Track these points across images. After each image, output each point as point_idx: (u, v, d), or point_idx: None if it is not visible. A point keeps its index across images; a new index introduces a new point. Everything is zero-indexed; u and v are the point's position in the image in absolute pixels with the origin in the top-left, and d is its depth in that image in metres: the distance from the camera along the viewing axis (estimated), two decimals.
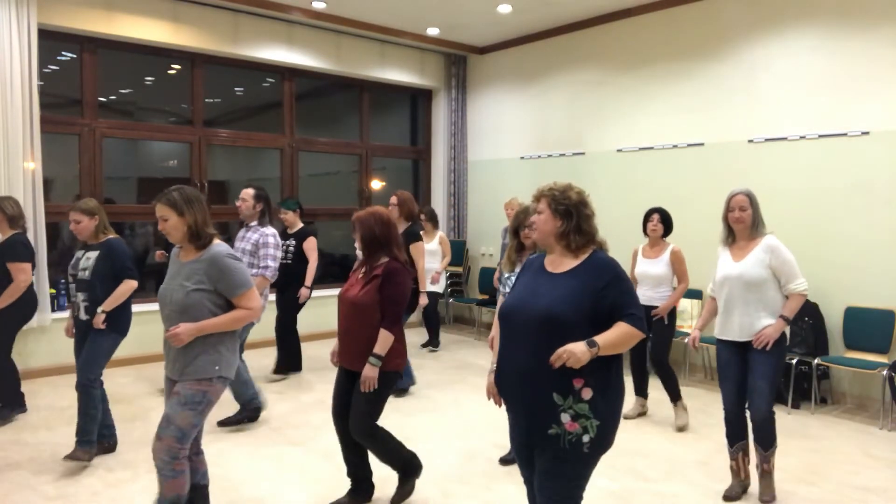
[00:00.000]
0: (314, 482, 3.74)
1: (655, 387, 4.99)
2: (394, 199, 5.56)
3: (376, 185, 8.47)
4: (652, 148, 6.62)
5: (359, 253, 3.53)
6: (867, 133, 5.22)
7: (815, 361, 5.16)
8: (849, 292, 5.28)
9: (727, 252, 3.56)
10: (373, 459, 3.43)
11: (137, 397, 5.26)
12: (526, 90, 7.87)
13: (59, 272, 5.85)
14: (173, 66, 6.95)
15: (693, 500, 3.57)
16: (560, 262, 2.39)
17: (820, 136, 5.46)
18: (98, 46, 6.25)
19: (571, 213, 2.37)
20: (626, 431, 4.55)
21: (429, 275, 6.83)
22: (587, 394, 2.22)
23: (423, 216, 6.96)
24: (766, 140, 5.77)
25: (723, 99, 6.05)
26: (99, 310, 3.77)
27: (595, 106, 7.12)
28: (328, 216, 8.21)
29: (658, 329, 4.72)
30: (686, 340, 4.93)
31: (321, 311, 7.11)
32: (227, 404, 4.52)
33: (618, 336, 2.22)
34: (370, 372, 3.16)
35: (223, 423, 4.56)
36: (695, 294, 5.92)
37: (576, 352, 2.12)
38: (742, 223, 3.46)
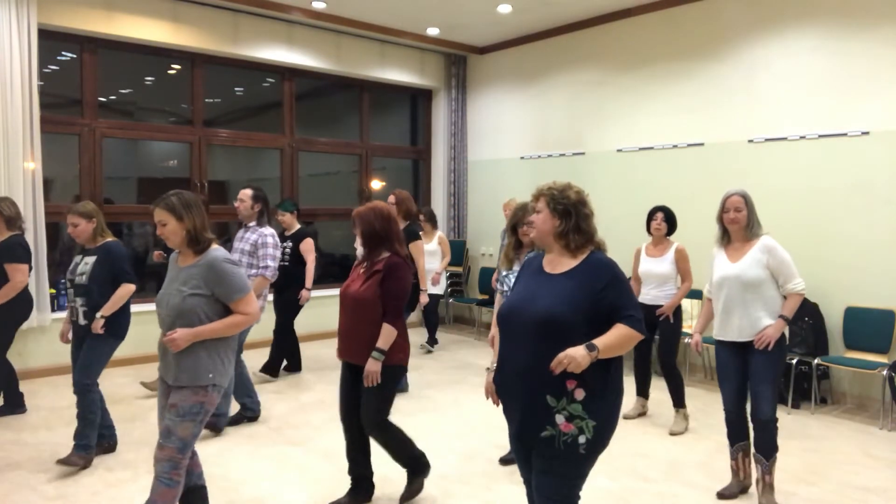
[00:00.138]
0: (314, 482, 3.74)
1: (657, 387, 4.99)
2: (392, 199, 5.56)
3: (376, 185, 8.47)
4: (652, 148, 6.62)
5: (359, 253, 3.53)
6: (867, 133, 5.22)
7: (815, 361, 5.16)
8: (849, 292, 5.28)
9: (723, 253, 3.55)
10: (375, 460, 3.44)
11: (137, 397, 5.26)
12: (526, 90, 7.87)
13: (59, 272, 5.85)
14: (173, 66, 6.95)
15: (693, 501, 3.57)
16: (558, 262, 2.39)
17: (820, 136, 5.46)
18: (98, 46, 6.26)
19: (570, 212, 2.37)
20: (627, 432, 4.56)
21: (428, 276, 6.84)
22: (580, 394, 2.22)
23: (422, 217, 6.95)
24: (766, 140, 5.77)
25: (723, 99, 6.05)
26: (98, 315, 3.76)
27: (595, 106, 7.12)
28: (328, 216, 8.21)
29: (665, 329, 4.70)
30: (687, 341, 4.95)
31: (321, 311, 7.11)
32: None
33: (616, 338, 2.21)
34: (373, 366, 3.16)
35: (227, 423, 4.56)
36: (695, 294, 5.91)
37: (576, 356, 2.12)
38: (737, 224, 3.46)
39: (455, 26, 7.52)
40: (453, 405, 5.21)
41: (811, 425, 4.84)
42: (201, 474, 3.03)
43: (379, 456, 3.47)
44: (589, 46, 7.16)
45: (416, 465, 3.42)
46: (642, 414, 4.94)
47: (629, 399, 4.29)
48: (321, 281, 7.31)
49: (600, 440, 2.26)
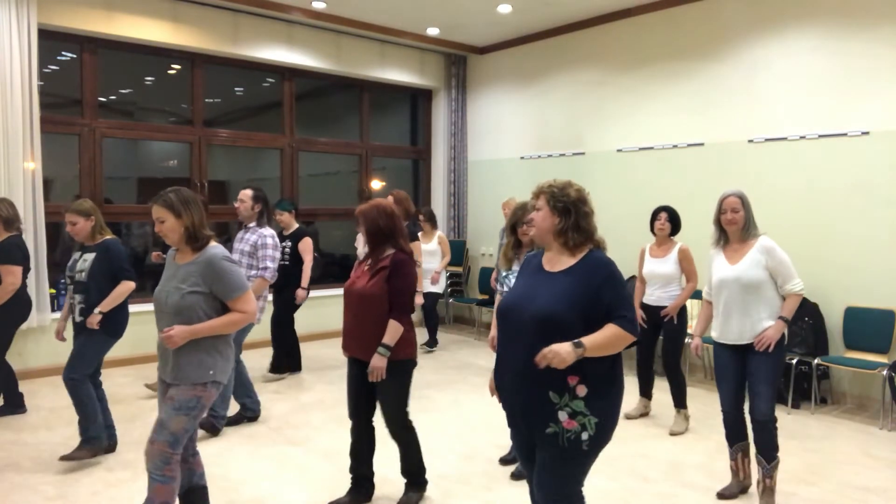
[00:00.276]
0: (314, 482, 3.74)
1: (658, 388, 4.98)
2: (390, 199, 5.57)
3: (376, 185, 8.47)
4: (652, 148, 6.62)
5: (359, 253, 3.53)
6: (867, 133, 5.22)
7: (815, 361, 5.16)
8: (849, 292, 5.28)
9: (721, 255, 3.54)
10: (376, 460, 3.44)
11: (137, 397, 5.26)
12: (526, 90, 7.87)
13: (59, 272, 5.85)
14: (173, 66, 6.95)
15: (693, 501, 3.57)
16: (557, 261, 2.39)
17: (820, 136, 5.46)
18: (98, 46, 6.25)
19: (570, 210, 2.37)
20: (627, 432, 4.55)
21: (428, 275, 6.84)
22: (582, 391, 2.22)
23: (421, 217, 6.95)
24: (766, 140, 5.77)
25: (723, 99, 6.05)
26: (96, 310, 3.76)
27: (595, 106, 7.12)
28: (328, 216, 8.21)
29: (669, 329, 4.69)
30: (687, 341, 4.95)
31: (320, 311, 7.11)
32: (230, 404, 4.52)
33: (606, 338, 2.21)
34: (378, 362, 3.17)
35: (227, 424, 4.55)
36: (699, 294, 5.91)
37: (560, 352, 2.12)
38: (735, 225, 3.45)
39: (455, 26, 7.52)
40: (453, 405, 5.21)
41: (811, 425, 4.84)
42: (203, 474, 3.03)
43: (379, 456, 3.47)
44: (589, 46, 7.16)
45: (419, 477, 3.43)
46: (645, 414, 4.93)
47: (632, 398, 4.31)
48: (321, 280, 7.30)
49: (602, 436, 2.27)
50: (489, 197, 8.14)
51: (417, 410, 5.00)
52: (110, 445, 4.09)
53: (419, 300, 5.61)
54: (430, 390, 5.55)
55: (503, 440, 4.06)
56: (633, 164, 6.77)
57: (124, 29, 6.15)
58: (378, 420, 3.37)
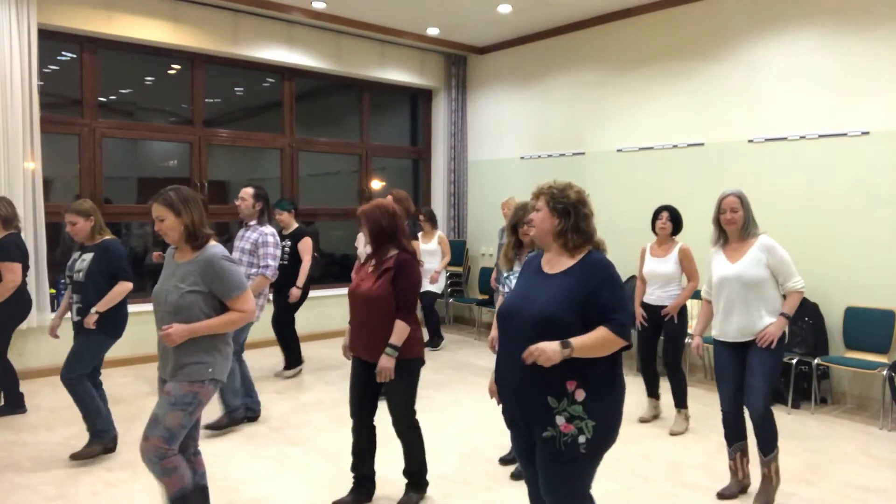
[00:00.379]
0: (314, 482, 3.74)
1: (662, 388, 4.96)
2: (389, 198, 5.57)
3: (376, 185, 8.47)
4: (652, 148, 6.62)
5: (360, 253, 3.54)
6: (867, 133, 5.22)
7: (815, 361, 5.16)
8: (849, 292, 5.28)
9: (721, 254, 3.55)
10: (380, 459, 3.44)
11: (136, 397, 5.26)
12: (526, 90, 7.87)
13: (59, 272, 5.85)
14: (173, 66, 6.95)
15: (693, 501, 3.57)
16: (556, 262, 2.39)
17: (820, 136, 5.46)
18: (98, 46, 6.26)
19: (569, 211, 2.36)
20: (627, 432, 4.52)
21: (427, 275, 6.84)
22: (580, 395, 2.22)
23: (422, 217, 6.95)
24: (766, 140, 5.77)
25: (723, 99, 6.05)
26: (93, 310, 3.76)
27: (595, 106, 7.12)
28: (328, 216, 8.21)
29: (670, 330, 4.68)
30: (688, 341, 4.94)
31: (321, 311, 7.11)
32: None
33: (595, 340, 2.20)
34: (387, 362, 3.18)
35: (210, 427, 4.45)
36: (696, 294, 5.91)
37: (546, 350, 2.12)
38: (734, 224, 3.46)
39: (455, 26, 7.52)
40: (453, 405, 5.21)
41: (811, 425, 4.84)
42: (204, 474, 3.03)
43: (380, 456, 3.47)
44: (589, 46, 7.16)
45: (420, 477, 3.44)
46: (656, 416, 4.88)
47: (635, 399, 4.28)
48: (321, 281, 7.30)
49: (602, 439, 2.26)
50: (489, 197, 8.14)
51: (418, 410, 5.00)
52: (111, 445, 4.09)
53: None
54: (430, 390, 5.55)
55: (503, 440, 4.06)
56: (633, 164, 6.77)
57: (124, 29, 6.15)
58: (379, 420, 3.37)
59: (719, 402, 3.58)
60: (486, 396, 2.61)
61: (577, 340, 2.17)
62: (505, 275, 3.70)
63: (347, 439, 4.19)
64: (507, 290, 3.62)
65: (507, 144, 8.10)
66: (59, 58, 6.29)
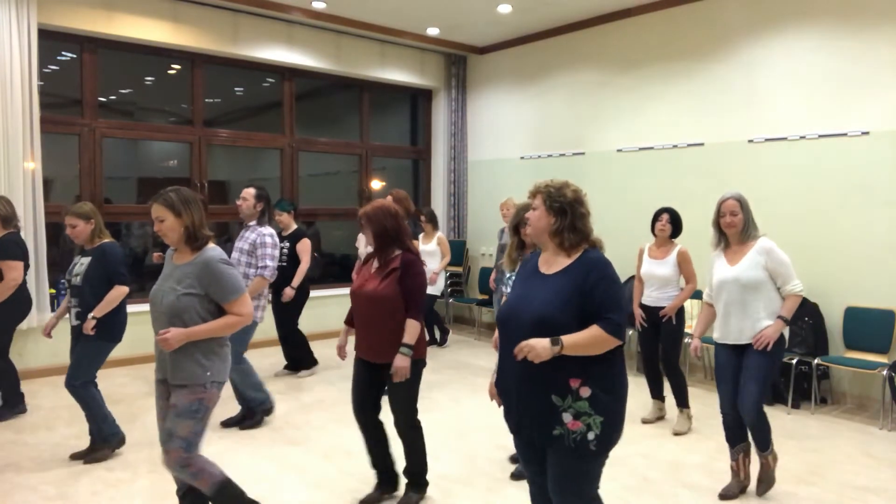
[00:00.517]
0: (314, 482, 3.74)
1: (669, 389, 4.95)
2: (389, 198, 5.57)
3: (376, 185, 8.47)
4: (652, 148, 6.62)
5: (360, 253, 3.54)
6: (867, 133, 5.22)
7: (815, 361, 5.16)
8: (849, 292, 5.28)
9: (722, 257, 3.55)
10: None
11: (136, 397, 5.26)
12: (526, 90, 7.87)
13: (59, 272, 5.85)
14: (173, 66, 6.95)
15: (693, 501, 3.57)
16: (553, 262, 2.38)
17: (820, 136, 5.46)
18: (98, 46, 6.25)
19: (566, 210, 2.35)
20: (627, 431, 4.52)
21: (427, 276, 6.84)
22: (585, 392, 2.22)
23: (422, 217, 6.95)
24: (766, 140, 5.77)
25: (723, 99, 6.05)
26: (90, 316, 3.76)
27: (595, 106, 7.12)
28: (328, 216, 8.21)
29: (668, 331, 4.68)
30: (687, 341, 4.94)
31: (321, 311, 7.11)
32: (229, 403, 4.52)
33: (586, 338, 2.20)
34: (402, 362, 3.20)
35: (226, 424, 4.56)
36: (698, 295, 5.90)
37: (536, 347, 2.13)
38: (734, 227, 3.46)
39: (455, 26, 7.52)
40: (453, 405, 5.21)
41: (811, 425, 4.84)
42: None
43: None
44: (589, 46, 7.16)
45: (420, 477, 3.44)
46: (661, 417, 4.87)
47: (637, 399, 4.26)
48: (322, 281, 7.31)
49: (610, 435, 2.26)
50: (489, 197, 8.13)
51: (418, 410, 5.01)
52: None
53: None
54: (431, 390, 5.54)
55: (503, 440, 4.05)
56: (633, 164, 6.77)
57: (124, 29, 6.15)
58: (384, 416, 3.38)
59: (719, 403, 3.58)
60: (486, 396, 2.61)
61: (568, 338, 2.17)
62: (508, 275, 3.70)
63: (348, 439, 4.19)
64: (508, 290, 3.62)
65: (507, 144, 8.10)
66: (59, 58, 6.29)
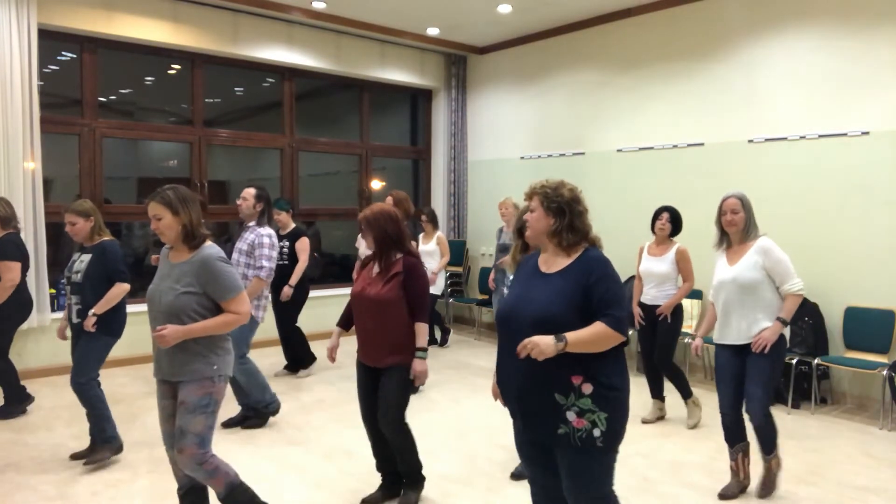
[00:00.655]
0: (314, 482, 3.74)
1: (669, 389, 4.95)
2: (389, 199, 5.57)
3: (376, 185, 8.47)
4: (652, 148, 6.62)
5: (361, 253, 3.54)
6: (867, 133, 5.22)
7: (815, 361, 5.16)
8: (849, 292, 5.28)
9: (723, 257, 3.56)
10: None
11: (136, 397, 5.26)
12: (526, 90, 7.87)
13: (59, 272, 5.85)
14: (173, 66, 6.95)
15: (693, 501, 3.57)
16: (553, 262, 2.38)
17: (820, 136, 5.46)
18: (98, 46, 6.26)
19: (564, 210, 2.35)
20: (627, 431, 4.53)
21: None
22: (587, 388, 2.22)
23: (423, 216, 6.96)
24: (766, 140, 5.77)
25: (723, 99, 6.05)
26: (90, 312, 3.76)
27: (595, 106, 7.12)
28: (328, 216, 8.21)
29: (663, 330, 4.69)
30: (687, 341, 4.94)
31: (321, 311, 7.11)
32: (230, 403, 4.52)
33: (590, 335, 2.19)
34: (421, 366, 3.26)
35: (227, 425, 4.56)
36: (695, 294, 5.92)
37: (540, 344, 2.12)
38: (735, 226, 3.46)
39: (455, 26, 7.52)
40: (453, 405, 5.21)
41: (811, 425, 4.84)
42: None
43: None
44: (589, 46, 7.16)
45: (417, 475, 3.44)
46: (661, 418, 4.87)
47: (640, 398, 4.25)
48: (322, 281, 7.31)
49: (616, 430, 2.26)
50: (489, 197, 8.13)
51: (418, 410, 5.02)
52: None
53: None
54: (430, 390, 5.55)
55: (503, 440, 4.06)
56: (633, 164, 6.77)
57: (124, 29, 6.15)
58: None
59: (719, 404, 3.57)
60: (486, 396, 2.62)
61: (572, 335, 2.16)
62: (510, 276, 3.70)
63: (348, 439, 4.20)
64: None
65: (507, 144, 8.10)
66: (59, 58, 6.29)
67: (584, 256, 2.34)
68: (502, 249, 6.36)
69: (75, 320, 3.85)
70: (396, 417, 3.29)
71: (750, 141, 5.87)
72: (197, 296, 2.75)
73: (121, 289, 3.86)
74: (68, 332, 4.03)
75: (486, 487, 3.69)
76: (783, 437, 3.60)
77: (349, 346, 3.80)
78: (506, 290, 3.80)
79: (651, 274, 4.75)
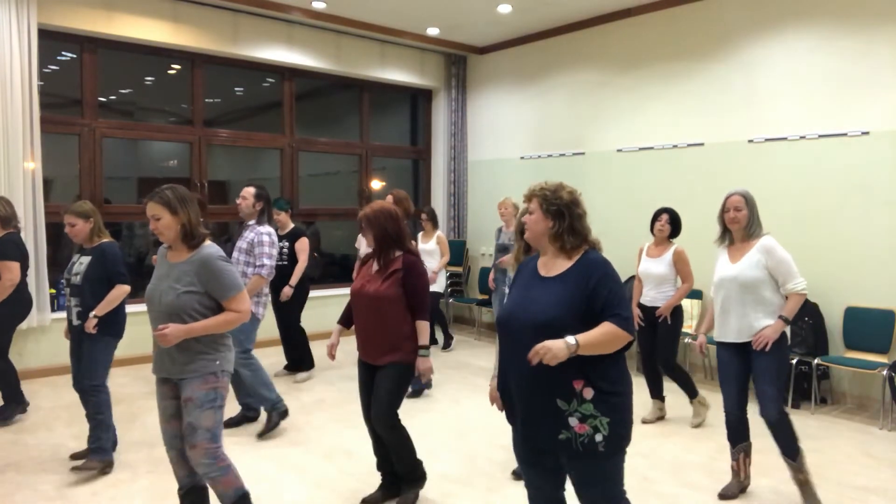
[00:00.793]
0: (314, 482, 3.74)
1: (669, 388, 4.96)
2: (389, 199, 5.56)
3: (376, 185, 8.47)
4: (652, 148, 6.62)
5: (361, 253, 3.54)
6: (867, 133, 5.22)
7: (815, 361, 5.16)
8: (849, 292, 5.28)
9: (725, 254, 3.55)
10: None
11: (136, 397, 5.27)
12: (526, 90, 7.87)
13: (59, 272, 5.85)
14: (173, 66, 6.95)
15: (694, 501, 3.57)
16: (553, 265, 2.36)
17: (820, 136, 5.46)
18: (98, 46, 6.26)
19: (563, 213, 2.33)
20: None
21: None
22: (589, 393, 2.20)
23: (423, 216, 6.96)
24: (766, 140, 5.77)
25: (723, 99, 6.05)
26: (91, 314, 3.76)
27: (595, 106, 7.12)
28: (328, 216, 8.21)
29: (663, 330, 4.69)
30: (688, 341, 4.94)
31: (321, 311, 7.11)
32: (230, 403, 4.52)
33: (600, 336, 2.18)
34: (425, 364, 3.28)
35: (227, 425, 4.54)
36: (695, 294, 5.92)
37: (552, 348, 2.09)
38: (737, 223, 3.45)
39: (455, 26, 7.52)
40: (453, 405, 5.21)
41: (811, 425, 4.84)
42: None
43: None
44: (589, 46, 7.16)
45: (415, 473, 3.43)
46: (661, 418, 4.88)
47: (641, 398, 4.24)
48: (322, 281, 7.31)
49: (619, 434, 2.23)
50: (489, 197, 8.13)
51: (417, 410, 5.03)
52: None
53: None
54: (430, 390, 5.55)
55: (503, 440, 4.05)
56: (633, 164, 6.77)
57: (124, 29, 6.15)
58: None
59: (723, 403, 3.57)
60: (486, 397, 2.60)
61: (582, 337, 2.14)
62: (509, 275, 3.70)
63: (348, 439, 4.20)
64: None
65: (507, 144, 8.10)
66: (59, 58, 6.29)
67: (583, 259, 2.33)
68: (501, 249, 6.36)
69: (75, 322, 3.85)
70: (388, 415, 3.28)
71: (750, 141, 5.87)
72: (198, 295, 2.76)
73: (121, 290, 3.86)
74: (61, 332, 4.02)
75: (486, 487, 3.69)
76: None
77: (349, 346, 3.81)
78: (506, 290, 3.80)
79: (649, 275, 4.76)
